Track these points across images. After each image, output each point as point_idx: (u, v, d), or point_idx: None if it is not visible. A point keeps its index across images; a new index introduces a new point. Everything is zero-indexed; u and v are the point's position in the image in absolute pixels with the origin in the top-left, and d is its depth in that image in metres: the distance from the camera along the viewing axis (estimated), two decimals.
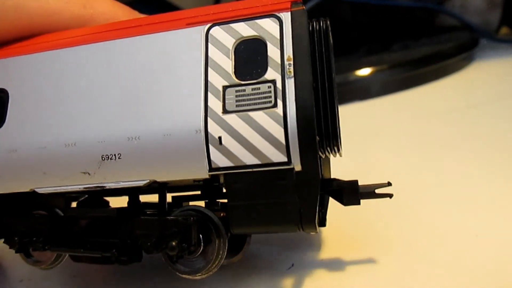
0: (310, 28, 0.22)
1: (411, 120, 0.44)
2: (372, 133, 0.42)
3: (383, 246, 0.25)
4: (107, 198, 0.26)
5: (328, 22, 0.22)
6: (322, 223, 0.24)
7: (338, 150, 0.22)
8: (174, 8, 0.70)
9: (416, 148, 0.37)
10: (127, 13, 0.26)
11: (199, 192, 0.24)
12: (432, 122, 0.42)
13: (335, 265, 0.24)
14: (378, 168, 0.32)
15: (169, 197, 0.25)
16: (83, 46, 0.22)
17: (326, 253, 0.25)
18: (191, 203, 0.25)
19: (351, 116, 0.47)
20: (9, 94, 0.22)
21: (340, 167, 0.25)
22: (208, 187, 0.24)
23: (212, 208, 0.22)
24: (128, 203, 0.24)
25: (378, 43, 0.65)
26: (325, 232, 0.27)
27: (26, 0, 0.24)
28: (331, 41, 0.23)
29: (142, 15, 0.27)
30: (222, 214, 0.22)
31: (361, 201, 0.22)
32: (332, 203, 0.25)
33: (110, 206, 0.26)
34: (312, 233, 0.22)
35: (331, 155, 0.23)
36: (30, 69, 0.22)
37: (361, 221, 0.27)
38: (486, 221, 0.25)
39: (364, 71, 0.52)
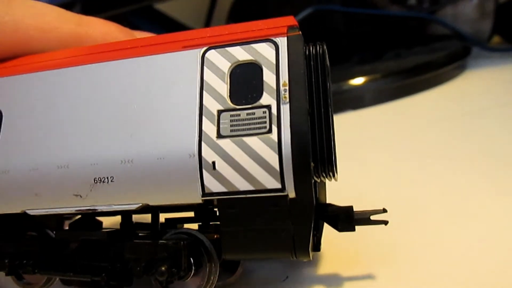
0: (307, 53, 0.22)
1: (404, 129, 0.43)
2: (365, 142, 0.41)
3: (379, 259, 0.24)
4: (101, 218, 0.26)
5: (325, 47, 0.22)
6: (317, 247, 0.23)
7: (334, 175, 0.21)
8: (166, 18, 0.70)
9: (409, 157, 0.37)
10: (122, 32, 0.26)
11: (192, 214, 0.24)
12: (425, 131, 0.42)
13: (330, 278, 0.23)
14: (371, 177, 0.32)
15: (163, 217, 0.25)
16: (77, 67, 0.22)
17: (321, 266, 0.24)
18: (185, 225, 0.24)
19: (344, 125, 0.47)
20: (2, 114, 0.22)
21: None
22: (202, 209, 0.23)
23: (205, 231, 0.22)
24: (121, 224, 0.23)
25: (371, 52, 0.65)
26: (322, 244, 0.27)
27: (23, 17, 0.24)
28: (328, 64, 0.23)
29: (136, 33, 0.27)
30: (215, 236, 0.22)
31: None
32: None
33: (103, 227, 0.25)
34: (306, 260, 0.21)
35: (327, 179, 0.23)
36: (24, 89, 0.22)
37: (357, 233, 0.26)
38: (482, 230, 0.25)
39: (357, 80, 0.52)
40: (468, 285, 0.21)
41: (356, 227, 0.22)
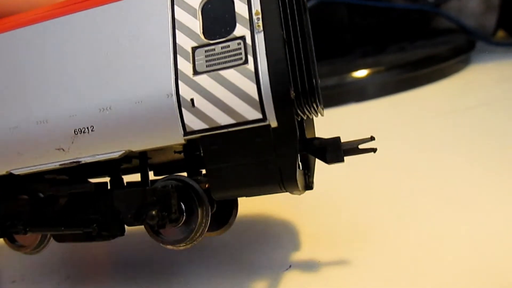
0: None
1: (407, 122, 0.43)
2: (368, 135, 0.41)
3: (380, 248, 0.24)
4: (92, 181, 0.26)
5: None
6: (309, 186, 0.23)
7: (317, 106, 0.21)
8: None
9: (412, 150, 0.36)
10: None
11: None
12: (428, 124, 0.41)
13: (333, 266, 0.23)
14: (374, 169, 0.32)
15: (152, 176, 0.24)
16: (47, 21, 0.22)
17: (323, 254, 0.24)
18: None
19: (347, 118, 0.47)
20: None
21: (336, 168, 0.24)
22: (189, 156, 0.23)
23: (194, 178, 0.22)
24: (110, 178, 0.23)
25: (374, 45, 0.64)
26: (323, 234, 0.27)
27: None
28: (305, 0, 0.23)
29: None
30: (206, 186, 0.22)
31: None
32: (329, 203, 0.24)
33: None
34: (296, 194, 0.21)
35: (312, 114, 0.23)
36: None
37: (358, 223, 0.27)
38: (483, 222, 0.25)
39: (360, 73, 0.52)
40: (469, 277, 0.21)
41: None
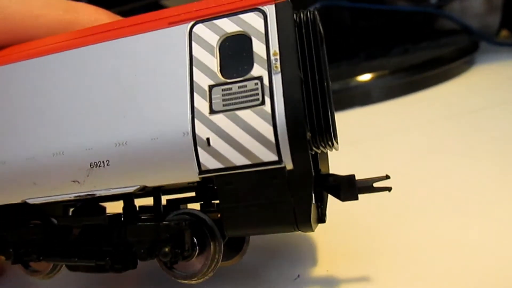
0: (297, 20, 0.21)
1: (412, 125, 0.43)
2: (373, 139, 0.41)
3: (389, 257, 0.24)
4: (104, 204, 0.26)
5: (316, 13, 0.21)
6: (322, 219, 0.23)
7: (333, 144, 0.21)
8: None
9: (417, 153, 0.36)
10: (111, 18, 0.26)
11: (194, 194, 0.24)
12: (433, 127, 0.41)
13: (341, 277, 0.23)
14: (378, 173, 0.31)
15: (165, 199, 0.24)
16: (65, 52, 0.22)
17: (332, 264, 0.24)
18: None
19: (352, 122, 0.47)
20: None
21: (341, 173, 0.24)
22: (203, 188, 0.23)
23: (207, 210, 0.22)
24: (123, 208, 0.23)
25: (378, 48, 0.64)
26: (331, 243, 0.26)
27: (10, 2, 0.24)
28: (321, 31, 0.22)
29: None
30: (218, 215, 0.22)
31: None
32: (337, 211, 0.24)
33: (106, 212, 0.25)
34: (309, 232, 0.21)
35: (327, 149, 0.23)
36: (13, 79, 0.22)
37: (367, 232, 0.27)
38: (489, 228, 0.24)
39: (365, 77, 0.51)
40: (467, 284, 0.21)
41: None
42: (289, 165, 0.18)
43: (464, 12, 0.67)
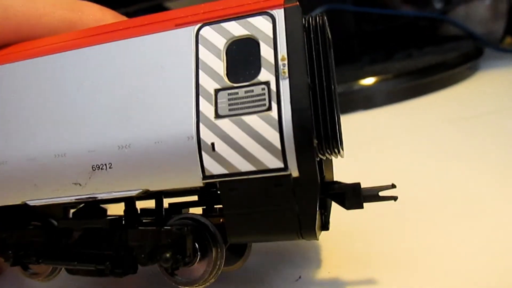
0: (306, 25, 0.21)
1: (415, 130, 0.43)
2: (376, 143, 0.41)
3: (390, 259, 0.24)
4: (105, 206, 0.26)
5: (325, 18, 0.21)
6: (325, 226, 0.23)
7: (339, 151, 0.21)
8: None
9: (420, 158, 0.36)
10: (116, 18, 0.25)
11: (197, 198, 0.24)
12: (436, 132, 0.41)
13: (343, 279, 0.23)
14: (381, 177, 0.31)
15: (167, 202, 0.24)
16: (69, 52, 0.21)
17: (333, 266, 0.24)
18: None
19: (355, 126, 0.47)
20: None
21: (344, 177, 0.24)
22: (205, 192, 0.23)
23: (209, 215, 0.22)
24: (124, 211, 0.23)
25: (382, 52, 0.64)
26: (333, 245, 0.26)
27: (14, 1, 0.24)
28: (330, 37, 0.22)
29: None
30: (221, 220, 0.21)
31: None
32: (339, 212, 0.24)
33: (107, 215, 0.25)
34: (312, 240, 0.21)
35: (332, 156, 0.22)
36: (16, 78, 0.22)
37: (369, 234, 0.26)
38: (493, 232, 0.24)
39: (368, 81, 0.52)
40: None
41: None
42: (295, 173, 0.18)
43: (468, 18, 0.67)
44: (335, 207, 0.24)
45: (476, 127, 0.40)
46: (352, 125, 0.47)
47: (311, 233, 0.19)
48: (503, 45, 0.68)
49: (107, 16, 0.25)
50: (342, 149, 0.22)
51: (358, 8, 0.62)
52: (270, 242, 0.28)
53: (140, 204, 0.24)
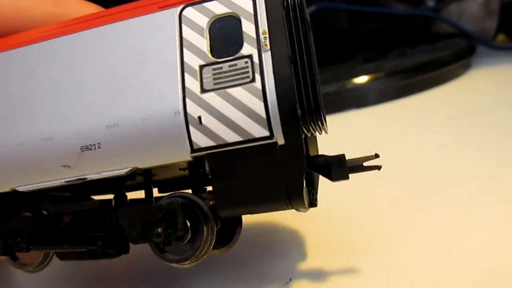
0: (285, 4, 0.21)
1: (408, 128, 0.43)
2: (369, 141, 0.41)
3: (382, 258, 0.24)
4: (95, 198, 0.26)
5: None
6: (313, 203, 0.23)
7: (322, 124, 0.21)
8: None
9: (413, 156, 0.36)
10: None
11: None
12: (429, 130, 0.41)
13: (334, 279, 0.23)
14: (374, 175, 0.32)
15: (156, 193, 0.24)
16: (53, 40, 0.22)
17: (324, 267, 0.24)
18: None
19: (348, 124, 0.47)
20: None
21: None
22: (194, 174, 0.23)
23: (199, 195, 0.22)
24: (114, 198, 0.23)
25: (375, 50, 0.65)
26: (323, 245, 0.26)
27: None
28: (308, 17, 0.23)
29: None
30: (211, 203, 0.22)
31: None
32: (331, 208, 0.24)
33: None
34: (301, 211, 0.21)
35: (317, 132, 0.23)
36: (1, 68, 0.22)
37: (360, 233, 0.27)
38: (485, 231, 0.25)
39: (361, 79, 0.52)
40: (459, 281, 0.21)
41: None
42: (280, 140, 0.19)
43: (461, 16, 0.67)
44: (327, 203, 0.24)
45: (469, 124, 0.40)
46: (345, 123, 0.48)
47: (300, 201, 0.20)
48: (495, 42, 0.68)
49: (92, 10, 0.26)
50: (326, 123, 0.22)
51: (351, 6, 0.62)
52: (261, 236, 0.28)
53: (130, 196, 0.24)
